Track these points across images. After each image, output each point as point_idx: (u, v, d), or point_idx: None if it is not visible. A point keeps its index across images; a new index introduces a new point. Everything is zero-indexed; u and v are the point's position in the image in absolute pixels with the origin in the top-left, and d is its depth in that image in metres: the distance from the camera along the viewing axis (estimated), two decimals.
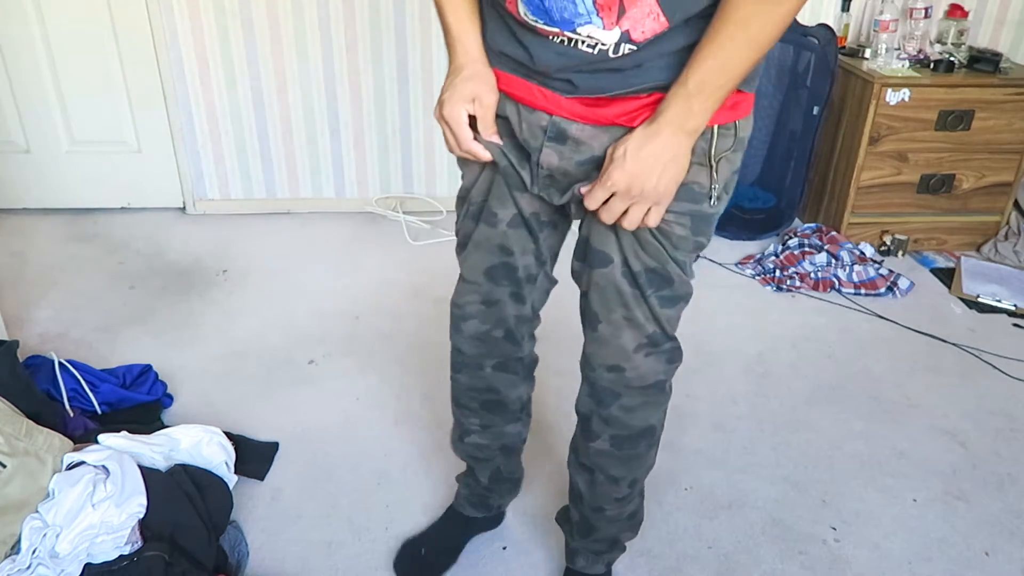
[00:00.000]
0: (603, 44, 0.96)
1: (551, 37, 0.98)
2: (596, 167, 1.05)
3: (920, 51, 2.76)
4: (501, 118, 1.11)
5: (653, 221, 1.04)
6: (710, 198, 1.07)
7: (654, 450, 1.33)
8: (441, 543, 1.56)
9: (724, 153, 1.04)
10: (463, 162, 1.20)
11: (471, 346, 1.32)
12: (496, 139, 1.11)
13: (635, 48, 0.96)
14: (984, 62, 2.66)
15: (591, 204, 1.04)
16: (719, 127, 1.02)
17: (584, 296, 1.20)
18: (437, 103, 1.11)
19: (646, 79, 0.98)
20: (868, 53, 2.76)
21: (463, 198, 1.24)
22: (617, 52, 0.96)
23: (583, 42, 0.97)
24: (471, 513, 1.57)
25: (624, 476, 1.31)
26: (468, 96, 1.08)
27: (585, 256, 1.16)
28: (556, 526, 1.54)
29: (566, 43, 0.98)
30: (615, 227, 1.08)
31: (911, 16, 2.75)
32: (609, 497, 1.33)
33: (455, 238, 1.29)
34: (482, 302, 1.27)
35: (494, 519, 1.62)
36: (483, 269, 1.24)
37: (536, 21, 0.98)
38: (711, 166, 1.04)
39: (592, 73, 0.99)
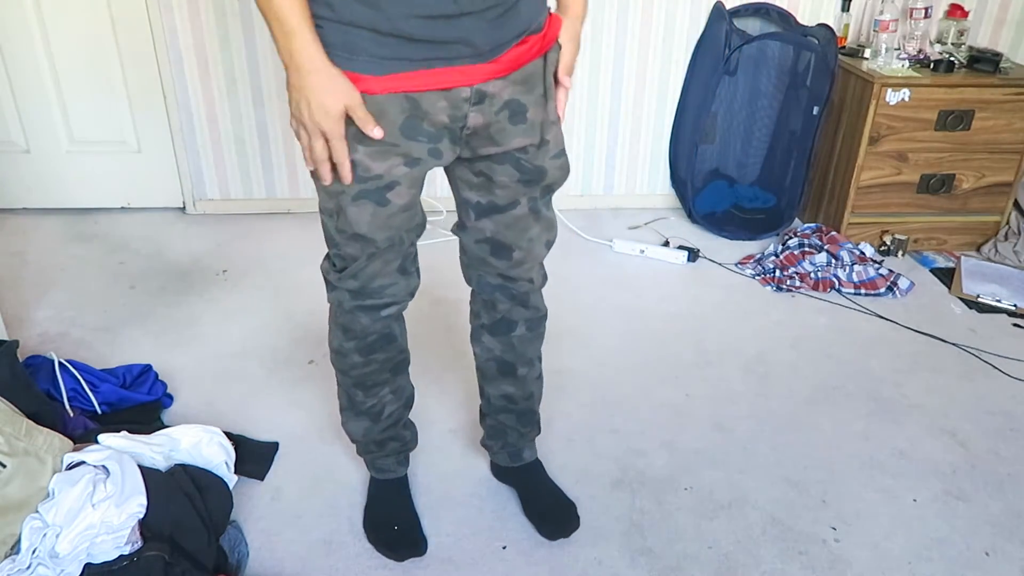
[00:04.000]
0: None
1: None
2: (506, 109, 1.20)
3: (920, 51, 2.76)
4: (398, 119, 1.15)
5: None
6: None
7: None
8: (401, 512, 1.62)
9: None
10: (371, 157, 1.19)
11: (388, 323, 1.41)
12: (379, 132, 1.13)
13: None
14: (984, 62, 2.66)
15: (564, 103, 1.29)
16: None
17: (483, 242, 1.36)
18: (300, 107, 1.10)
19: (522, 22, 1.15)
20: (868, 53, 2.76)
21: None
22: None
23: None
24: (402, 472, 1.66)
25: (536, 354, 1.56)
26: (343, 111, 1.10)
27: (486, 211, 1.32)
28: None
29: None
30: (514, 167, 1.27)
31: (911, 16, 2.75)
32: (531, 378, 1.58)
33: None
34: (399, 270, 1.35)
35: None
36: (395, 268, 1.34)
37: None
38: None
39: (486, 18, 1.10)
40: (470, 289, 1.49)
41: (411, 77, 1.11)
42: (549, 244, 1.42)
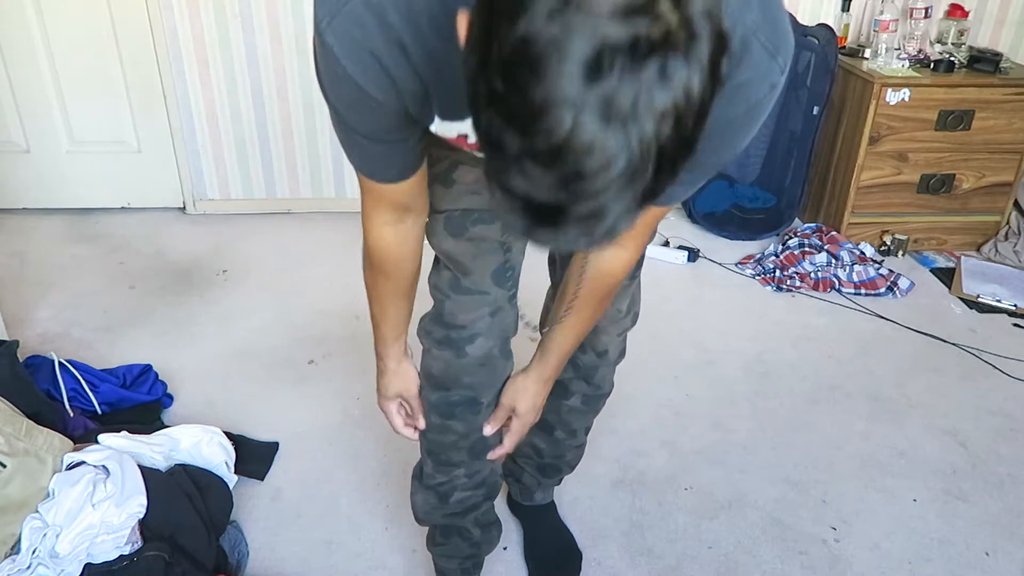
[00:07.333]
0: None
1: None
2: None
3: (920, 51, 2.76)
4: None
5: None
6: None
7: None
8: None
9: None
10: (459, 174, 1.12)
11: (475, 375, 1.16)
12: (411, 433, 1.26)
13: None
14: (984, 62, 2.66)
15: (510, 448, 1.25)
16: None
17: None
18: (377, 394, 1.26)
19: None
20: (868, 53, 2.76)
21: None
22: None
23: None
24: None
25: (583, 426, 1.46)
26: (395, 395, 1.23)
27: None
28: None
29: None
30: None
31: (911, 16, 2.75)
32: (570, 446, 1.48)
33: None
34: (490, 314, 1.13)
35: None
36: (490, 273, 1.12)
37: None
38: None
39: None
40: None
41: None
42: (635, 318, 1.31)
